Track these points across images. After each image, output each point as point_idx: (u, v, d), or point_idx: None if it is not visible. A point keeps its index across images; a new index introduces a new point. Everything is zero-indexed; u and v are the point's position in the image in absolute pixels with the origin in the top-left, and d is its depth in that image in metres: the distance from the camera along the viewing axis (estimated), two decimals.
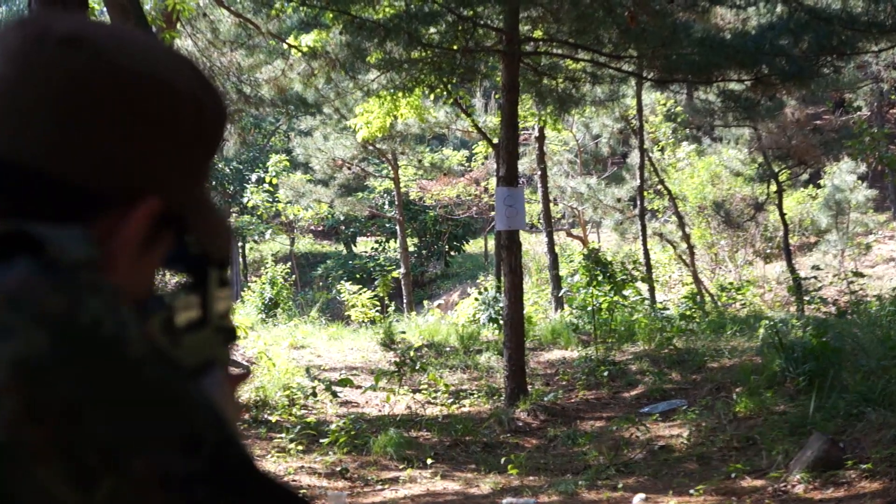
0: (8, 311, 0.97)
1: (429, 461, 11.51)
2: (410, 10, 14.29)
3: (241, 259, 44.94)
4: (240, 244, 44.41)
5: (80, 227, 1.09)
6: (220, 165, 38.89)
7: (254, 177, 37.64)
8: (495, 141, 19.06)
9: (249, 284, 28.76)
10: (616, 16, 14.11)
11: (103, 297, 1.01)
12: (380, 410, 14.59)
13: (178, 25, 17.24)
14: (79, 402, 0.95)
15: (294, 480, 10.77)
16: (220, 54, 18.89)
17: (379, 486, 10.71)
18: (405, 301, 30.41)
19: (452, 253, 42.82)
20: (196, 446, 1.02)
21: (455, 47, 15.11)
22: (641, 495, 9.37)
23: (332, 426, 12.83)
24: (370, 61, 15.65)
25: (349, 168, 33.17)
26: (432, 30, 14.93)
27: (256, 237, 43.62)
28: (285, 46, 17.22)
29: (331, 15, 14.84)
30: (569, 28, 14.77)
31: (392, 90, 17.16)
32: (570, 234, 35.76)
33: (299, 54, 17.02)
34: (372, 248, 44.08)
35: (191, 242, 1.32)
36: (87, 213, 1.14)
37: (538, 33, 16.13)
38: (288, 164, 35.57)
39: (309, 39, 16.42)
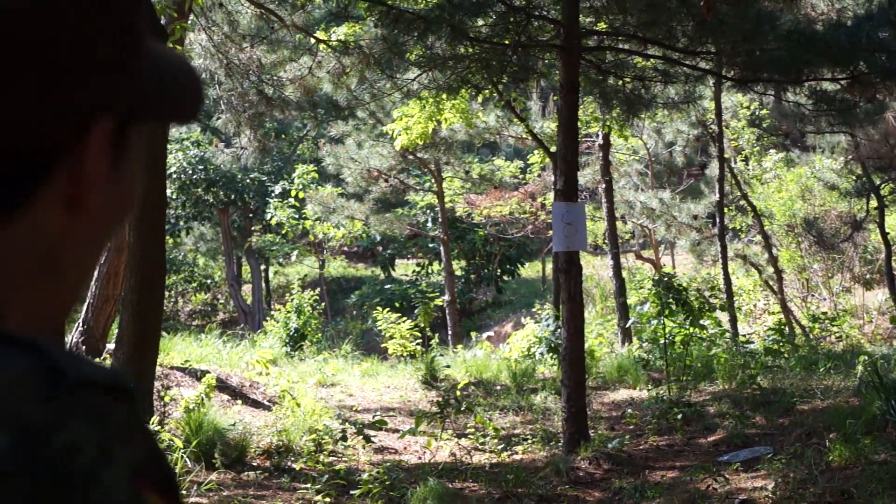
0: None
1: None
2: (454, 0, 14.29)
3: (263, 284, 45.05)
4: (263, 267, 44.53)
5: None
6: (239, 176, 39.00)
7: (277, 189, 37.64)
8: (553, 149, 19.01)
9: (273, 313, 28.81)
10: (690, 5, 14.06)
11: (96, 427, 0.97)
12: (419, 458, 14.57)
13: (192, 17, 17.32)
14: None
15: None
16: (239, 50, 18.92)
17: None
18: (450, 332, 30.41)
19: (505, 278, 42.72)
20: None
21: (506, 42, 15.10)
22: None
23: (365, 475, 12.82)
24: (409, 58, 15.67)
25: (386, 180, 33.24)
26: (480, 22, 14.94)
27: (281, 259, 43.72)
28: (313, 41, 17.27)
29: (364, 5, 14.89)
30: (636, 20, 14.73)
31: (435, 91, 17.16)
32: (639, 257, 35.65)
33: (329, 50, 17.10)
34: (413, 272, 44.05)
35: None
36: (36, 174, 1.09)
37: (601, 26, 16.11)
38: (316, 175, 35.58)
39: (340, 33, 16.48)
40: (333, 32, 16.56)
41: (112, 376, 1.02)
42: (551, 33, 14.95)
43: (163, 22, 14.79)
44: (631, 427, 15.38)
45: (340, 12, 15.67)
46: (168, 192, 37.13)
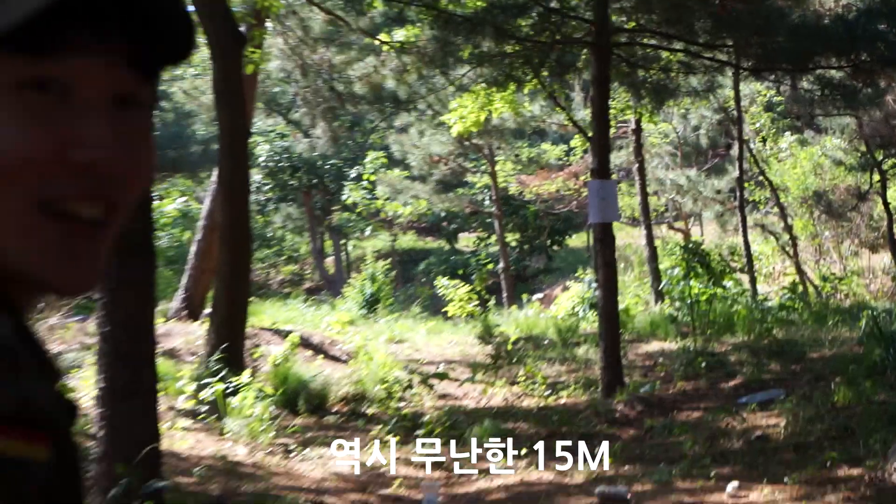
0: None
1: (523, 451, 11.50)
2: (497, 3, 14.30)
3: (343, 256, 45.22)
4: (342, 241, 44.68)
5: None
6: (319, 163, 39.14)
7: (353, 173, 37.73)
8: (591, 134, 19.01)
9: (351, 281, 28.93)
10: (708, 4, 14.03)
11: None
12: (477, 403, 14.65)
13: (269, 23, 17.38)
14: None
15: (391, 472, 10.87)
16: (312, 51, 18.97)
17: (475, 477, 10.76)
18: (505, 296, 30.48)
19: (555, 247, 42.44)
20: None
21: (544, 40, 15.08)
22: (735, 483, 9.35)
23: (427, 417, 12.93)
24: (461, 56, 15.67)
25: (446, 164, 33.20)
26: (522, 22, 14.93)
27: (358, 234, 43.80)
28: (377, 43, 17.27)
29: (419, 10, 14.92)
30: (660, 17, 14.70)
31: (484, 84, 17.17)
32: (671, 227, 35.55)
33: (391, 50, 17.09)
34: (474, 244, 43.87)
35: None
36: None
37: (630, 24, 16.06)
38: (385, 160, 35.65)
39: (400, 35, 16.49)
40: (394, 34, 16.55)
41: None
42: (585, 31, 14.90)
43: (242, 29, 14.89)
44: (661, 374, 15.37)
45: (398, 16, 15.70)
46: (258, 177, 37.39)
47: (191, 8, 14.05)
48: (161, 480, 6.38)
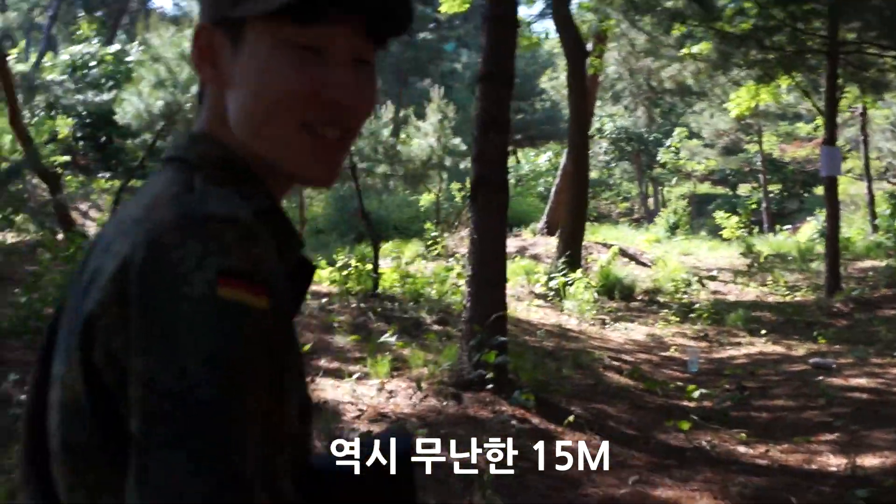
0: (139, 226, 0.95)
1: (763, 332, 10.96)
2: (760, 25, 13.50)
3: (660, 197, 44.31)
4: (659, 187, 43.86)
5: (232, 192, 1.03)
6: (645, 135, 38.32)
7: (667, 142, 37.05)
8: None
9: (661, 213, 28.41)
10: None
11: (201, 246, 0.91)
12: (735, 297, 14.04)
13: (607, 42, 17.05)
14: (135, 300, 0.90)
15: (671, 340, 10.58)
16: (636, 60, 18.60)
17: (728, 347, 10.35)
18: (766, 226, 29.30)
19: (805, 194, 40.21)
20: (177, 380, 0.86)
21: (792, 49, 14.10)
22: None
23: (698, 305, 12.50)
24: (737, 62, 14.91)
25: (728, 136, 32.23)
26: (778, 38, 13.99)
27: (669, 182, 42.90)
28: (680, 53, 16.59)
29: (707, 30, 14.26)
30: (877, 33, 13.43)
31: (753, 81, 16.35)
32: (890, 182, 32.89)
33: (690, 58, 16.38)
34: (748, 191, 42.07)
35: None
36: None
37: (855, 37, 14.78)
38: (686, 133, 34.94)
39: (695, 48, 15.79)
40: (692, 48, 15.82)
41: (229, 212, 0.96)
42: (822, 43, 13.76)
43: (589, 46, 14.69)
44: (870, 283, 14.24)
45: (689, 34, 15.02)
46: (604, 144, 37.18)
47: (554, 34, 13.90)
48: (503, 336, 6.38)
